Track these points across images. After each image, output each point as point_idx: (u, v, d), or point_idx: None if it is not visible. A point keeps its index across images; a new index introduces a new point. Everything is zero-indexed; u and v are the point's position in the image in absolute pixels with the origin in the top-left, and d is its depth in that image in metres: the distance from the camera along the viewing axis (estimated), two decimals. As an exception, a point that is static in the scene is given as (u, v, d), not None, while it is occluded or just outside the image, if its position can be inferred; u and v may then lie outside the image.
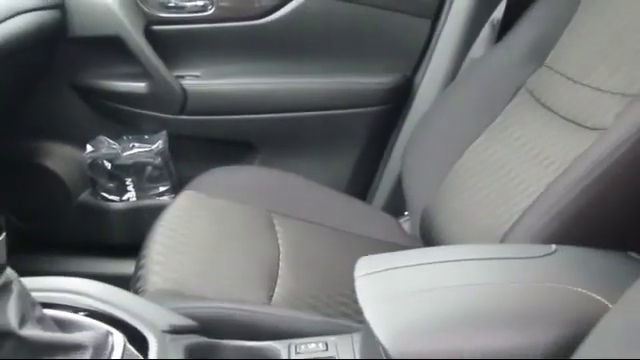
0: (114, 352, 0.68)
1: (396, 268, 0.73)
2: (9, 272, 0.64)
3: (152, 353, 0.72)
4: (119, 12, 1.53)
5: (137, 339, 0.74)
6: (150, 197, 1.65)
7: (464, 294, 0.67)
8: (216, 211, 1.29)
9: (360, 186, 1.73)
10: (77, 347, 0.66)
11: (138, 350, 0.72)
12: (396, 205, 1.59)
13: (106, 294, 0.80)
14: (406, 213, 1.48)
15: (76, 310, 0.74)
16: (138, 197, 1.65)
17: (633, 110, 0.86)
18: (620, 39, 1.05)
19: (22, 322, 0.64)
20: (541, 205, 0.86)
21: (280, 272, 1.11)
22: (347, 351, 0.81)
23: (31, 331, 0.64)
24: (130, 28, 1.55)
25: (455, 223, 1.13)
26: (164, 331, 0.78)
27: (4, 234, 0.65)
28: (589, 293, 0.62)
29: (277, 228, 1.25)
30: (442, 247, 1.06)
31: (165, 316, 0.81)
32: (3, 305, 0.63)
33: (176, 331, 0.80)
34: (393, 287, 0.69)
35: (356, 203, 1.58)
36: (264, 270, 1.11)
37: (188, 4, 1.62)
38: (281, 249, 1.18)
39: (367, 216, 1.50)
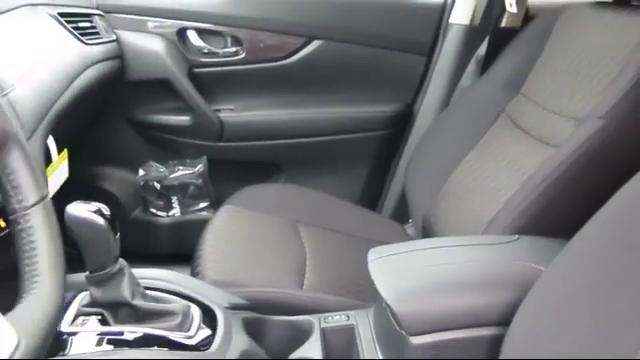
0: (194, 319, 0.89)
1: (398, 254, 0.93)
2: (121, 261, 0.85)
3: (220, 322, 0.91)
4: (167, 59, 1.71)
5: (207, 312, 0.92)
6: (192, 212, 1.80)
7: (447, 269, 0.87)
8: (251, 221, 1.43)
9: (370, 198, 1.87)
10: (170, 313, 0.87)
11: (209, 320, 0.91)
12: (401, 213, 1.72)
13: (183, 280, 1.00)
14: (410, 220, 1.61)
15: (164, 291, 0.95)
16: (182, 213, 1.80)
17: (579, 130, 1.02)
18: (576, 71, 1.18)
19: (132, 295, 0.84)
20: (510, 205, 1.03)
21: (307, 268, 1.26)
22: (364, 321, 0.99)
23: (138, 301, 0.85)
24: (176, 72, 1.72)
25: (450, 225, 1.26)
26: (226, 307, 0.96)
27: (118, 234, 0.86)
28: (536, 266, 0.82)
29: (302, 234, 1.39)
30: (433, 238, 1.23)
31: (225, 297, 1.00)
32: (119, 283, 0.84)
33: (234, 308, 0.99)
34: (395, 265, 0.88)
35: (367, 213, 1.71)
36: (294, 266, 1.26)
37: (222, 50, 1.79)
38: (306, 250, 1.33)
39: (376, 223, 1.62)
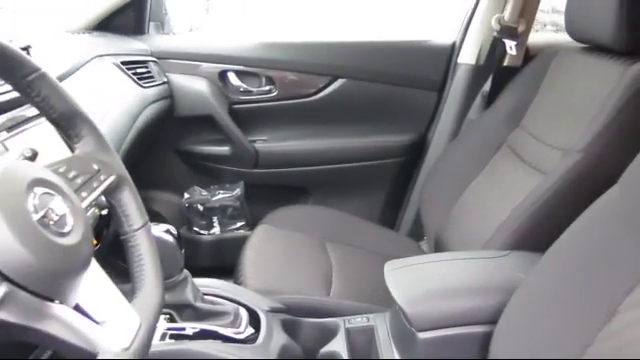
0: (242, 319, 1.05)
1: (409, 265, 1.08)
2: (185, 271, 1.00)
3: (263, 322, 1.06)
4: (211, 98, 1.85)
5: (252, 314, 1.07)
6: (230, 231, 1.89)
7: (448, 278, 1.02)
8: (284, 239, 1.54)
9: (389, 217, 1.97)
10: (225, 313, 1.03)
11: (253, 321, 1.06)
12: (417, 231, 1.81)
13: (232, 288, 1.16)
14: (425, 238, 1.69)
15: (218, 296, 1.09)
16: (221, 231, 1.89)
17: (562, 162, 1.15)
18: (565, 109, 1.29)
19: (194, 299, 1.01)
20: (503, 226, 1.17)
21: (333, 279, 1.38)
22: (381, 322, 1.12)
23: (199, 304, 1.01)
24: (218, 108, 1.86)
25: (457, 242, 1.37)
26: (267, 310, 1.11)
27: (183, 250, 1.03)
28: (522, 275, 0.95)
29: (329, 250, 1.50)
30: (438, 253, 1.35)
31: (266, 302, 1.14)
32: (184, 289, 0.99)
33: (273, 311, 1.13)
34: (407, 275, 1.04)
35: (386, 231, 1.79)
36: (322, 277, 1.38)
37: (257, 89, 1.92)
38: (333, 264, 1.44)
39: (394, 240, 1.71)
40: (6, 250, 0.48)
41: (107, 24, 1.78)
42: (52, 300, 0.52)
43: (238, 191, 1.89)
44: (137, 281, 0.67)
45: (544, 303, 0.86)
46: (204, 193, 1.89)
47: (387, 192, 1.99)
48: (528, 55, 1.76)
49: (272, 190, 1.98)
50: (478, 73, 1.83)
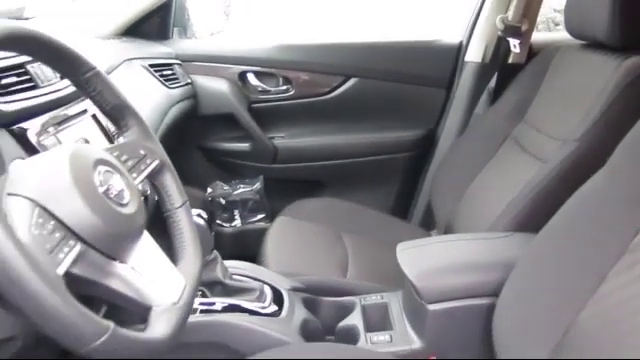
0: (267, 295, 1.13)
1: (419, 246, 1.15)
2: (215, 252, 1.10)
3: (285, 299, 1.14)
4: (231, 97, 1.92)
5: (275, 292, 1.15)
6: (251, 223, 1.92)
7: (455, 256, 1.10)
8: (302, 230, 1.60)
9: (401, 209, 2.03)
10: (251, 290, 1.12)
11: (276, 298, 1.14)
12: (428, 221, 1.87)
13: (257, 269, 1.24)
14: (435, 229, 1.74)
15: (245, 276, 1.17)
16: (242, 223, 1.92)
17: (559, 151, 1.22)
18: (566, 101, 1.35)
19: (224, 277, 1.10)
20: (506, 211, 1.24)
21: (349, 265, 1.46)
22: (394, 300, 1.20)
23: (228, 281, 1.10)
24: (239, 107, 1.94)
25: (465, 229, 1.42)
26: (289, 289, 1.19)
27: (213, 232, 1.12)
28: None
29: (344, 240, 1.57)
30: (447, 235, 1.42)
31: (288, 282, 1.22)
32: (214, 268, 1.09)
33: (294, 290, 1.21)
34: (417, 254, 1.12)
35: (398, 222, 1.84)
36: (339, 262, 1.46)
37: (275, 89, 1.99)
38: (348, 252, 1.52)
39: (406, 230, 1.75)
40: (80, 216, 0.58)
41: (134, 30, 1.86)
42: (114, 259, 0.61)
43: (258, 185, 1.95)
44: (179, 250, 0.76)
45: (540, 276, 0.93)
46: (226, 187, 1.94)
47: (399, 184, 2.04)
48: (532, 52, 1.82)
49: (290, 184, 2.04)
50: (484, 71, 1.88)
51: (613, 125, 1.16)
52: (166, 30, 1.99)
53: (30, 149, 0.85)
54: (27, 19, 1.65)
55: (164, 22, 1.98)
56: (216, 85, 1.95)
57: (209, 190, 1.94)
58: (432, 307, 1.03)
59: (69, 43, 0.72)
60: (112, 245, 0.61)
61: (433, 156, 1.97)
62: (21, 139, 0.85)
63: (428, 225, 1.87)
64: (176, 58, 1.91)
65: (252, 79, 2.00)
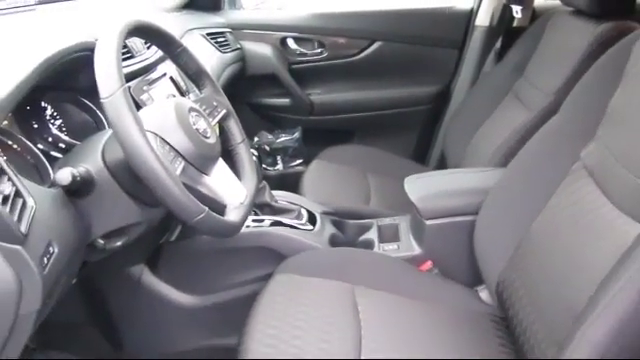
0: (304, 215, 1.41)
1: (422, 177, 1.39)
2: (264, 181, 1.38)
3: (318, 219, 1.41)
4: (274, 60, 2.10)
5: (310, 214, 1.43)
6: (291, 167, 2.12)
7: (449, 184, 1.35)
8: (334, 171, 1.81)
9: (420, 154, 2.20)
10: (292, 211, 1.39)
11: (311, 219, 1.41)
12: (443, 165, 1.96)
13: (297, 197, 1.51)
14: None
15: (286, 201, 1.46)
16: (284, 167, 2.12)
17: (541, 101, 1.43)
18: (555, 59, 1.49)
19: (271, 200, 1.39)
20: (499, 148, 1.48)
21: (371, 197, 1.68)
22: (404, 221, 1.45)
23: (274, 204, 1.39)
24: (280, 68, 2.11)
25: (469, 164, 1.59)
26: (320, 212, 1.46)
27: (263, 165, 1.40)
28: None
29: (369, 179, 1.78)
30: (446, 169, 1.63)
31: (321, 207, 1.49)
32: (264, 193, 1.36)
33: (325, 213, 1.48)
34: (420, 183, 1.36)
35: (417, 165, 2.00)
36: (362, 196, 1.69)
37: (311, 52, 2.15)
38: (371, 188, 1.72)
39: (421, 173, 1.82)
40: (182, 143, 0.87)
41: (192, 4, 2.05)
42: (203, 173, 0.92)
43: (297, 135, 2.14)
44: (241, 172, 1.06)
45: (506, 197, 1.18)
46: (270, 137, 2.14)
47: (418, 133, 2.21)
48: (534, 16, 1.95)
49: (324, 133, 2.21)
50: (492, 33, 2.03)
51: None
52: (218, 3, 2.15)
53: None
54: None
55: None
56: (261, 49, 2.12)
57: (256, 139, 2.14)
58: (429, 222, 1.29)
59: (163, 26, 1.00)
60: (202, 163, 0.90)
61: (447, 109, 2.12)
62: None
63: (442, 168, 1.99)
64: (227, 27, 2.08)
65: (291, 44, 2.16)
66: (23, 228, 0.67)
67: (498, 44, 2.03)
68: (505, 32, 2.00)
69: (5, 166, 0.72)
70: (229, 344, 1.04)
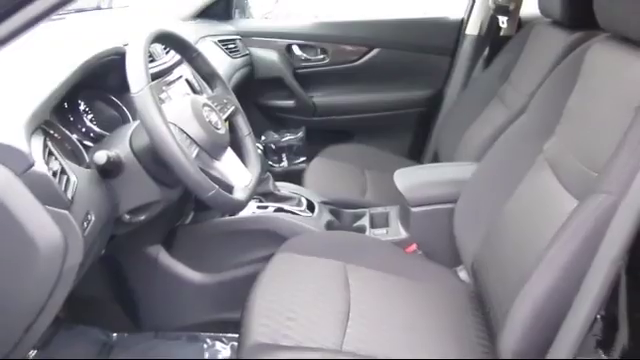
0: (304, 203, 1.55)
1: (410, 170, 1.53)
2: (268, 172, 1.53)
3: (316, 207, 1.55)
4: (280, 65, 2.22)
5: (309, 202, 1.56)
6: (295, 164, 2.22)
7: (432, 176, 1.48)
8: (333, 167, 1.93)
9: (415, 153, 2.30)
10: (293, 199, 1.54)
11: (310, 207, 1.55)
12: (435, 162, 2.04)
13: (296, 187, 1.67)
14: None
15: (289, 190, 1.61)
16: (288, 164, 2.21)
17: (518, 102, 1.59)
18: (533, 66, 1.59)
19: (274, 189, 1.53)
20: (481, 144, 1.63)
21: (367, 191, 1.81)
22: (394, 210, 1.59)
23: (277, 192, 1.53)
24: (286, 72, 2.23)
25: (456, 158, 1.81)
26: (319, 202, 1.60)
27: (269, 162, 1.54)
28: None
29: (366, 175, 1.90)
30: (431, 164, 1.76)
31: (319, 197, 1.62)
32: (268, 182, 1.50)
33: (324, 203, 1.62)
34: (407, 175, 1.49)
35: (412, 163, 2.06)
36: (359, 189, 1.81)
37: (314, 57, 2.26)
38: (367, 183, 1.85)
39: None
40: (197, 133, 1.02)
41: (205, 13, 2.18)
42: (214, 159, 1.06)
43: (301, 134, 2.26)
44: (247, 160, 1.20)
45: (481, 185, 1.32)
46: (275, 136, 2.26)
47: (413, 133, 2.33)
48: (520, 25, 2.06)
49: (325, 133, 2.32)
50: (480, 42, 2.15)
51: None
52: (229, 12, 2.29)
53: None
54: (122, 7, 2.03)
55: (227, 6, 2.28)
56: (268, 55, 2.24)
57: (262, 138, 2.25)
58: (415, 210, 1.43)
59: (181, 34, 1.15)
60: (213, 150, 1.05)
61: (440, 111, 2.23)
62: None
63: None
64: (237, 34, 2.21)
65: (296, 50, 2.28)
66: (69, 196, 0.83)
67: (486, 51, 2.14)
68: (492, 40, 2.11)
69: (53, 149, 0.87)
70: (235, 318, 1.16)
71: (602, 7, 1.00)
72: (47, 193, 0.78)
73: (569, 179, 1.00)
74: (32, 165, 0.77)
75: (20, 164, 0.76)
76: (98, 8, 1.99)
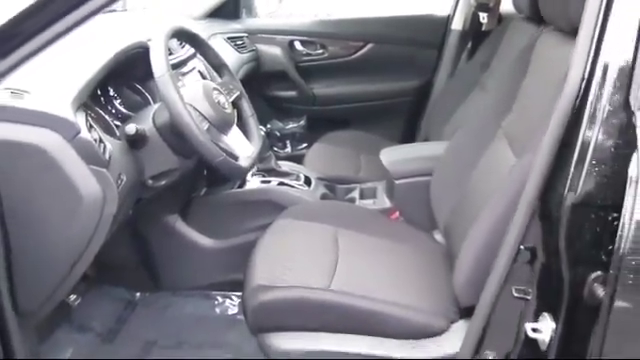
0: (302, 178, 1.74)
1: (394, 149, 1.71)
2: (270, 151, 1.72)
3: (313, 182, 1.73)
4: (283, 59, 2.38)
5: (306, 178, 1.77)
6: (297, 150, 2.35)
7: (414, 153, 1.66)
8: (332, 151, 2.11)
9: (407, 138, 2.40)
10: (292, 174, 1.72)
11: (307, 182, 1.76)
12: None
13: (295, 165, 1.86)
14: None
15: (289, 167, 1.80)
16: (292, 150, 2.36)
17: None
18: (506, 57, 1.73)
19: (276, 166, 1.72)
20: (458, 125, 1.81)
21: (361, 170, 2.01)
22: (381, 185, 1.76)
23: (278, 169, 1.73)
24: (289, 66, 2.38)
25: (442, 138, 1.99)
26: (315, 177, 1.78)
27: (270, 152, 1.73)
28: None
29: (361, 159, 2.07)
30: (416, 143, 1.93)
31: (315, 173, 1.79)
32: (270, 160, 1.70)
33: (319, 179, 1.79)
34: (392, 153, 1.66)
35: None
36: (353, 169, 1.99)
37: (314, 52, 2.41)
38: (361, 164, 2.03)
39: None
40: (208, 110, 1.21)
41: (215, 13, 2.35)
42: (222, 133, 1.26)
43: (302, 122, 2.40)
44: (250, 135, 1.39)
45: (452, 159, 1.48)
46: (280, 124, 2.40)
47: (404, 120, 2.48)
48: (500, 20, 2.18)
49: (324, 121, 2.47)
50: (465, 35, 2.30)
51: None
52: (237, 12, 2.45)
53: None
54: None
55: (235, 6, 2.44)
56: (272, 50, 2.40)
57: (268, 126, 2.40)
58: (398, 182, 1.60)
59: (195, 30, 1.34)
60: (221, 126, 1.24)
61: (429, 99, 2.38)
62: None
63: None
64: (244, 32, 2.35)
65: (298, 46, 2.43)
66: (106, 158, 1.02)
67: (470, 45, 2.29)
68: (475, 34, 2.25)
69: (93, 123, 1.07)
70: (242, 278, 1.28)
71: (544, 5, 1.18)
72: (90, 155, 0.98)
73: (518, 148, 1.17)
74: (78, 132, 0.97)
75: (69, 132, 0.96)
76: (113, 10, 2.15)
